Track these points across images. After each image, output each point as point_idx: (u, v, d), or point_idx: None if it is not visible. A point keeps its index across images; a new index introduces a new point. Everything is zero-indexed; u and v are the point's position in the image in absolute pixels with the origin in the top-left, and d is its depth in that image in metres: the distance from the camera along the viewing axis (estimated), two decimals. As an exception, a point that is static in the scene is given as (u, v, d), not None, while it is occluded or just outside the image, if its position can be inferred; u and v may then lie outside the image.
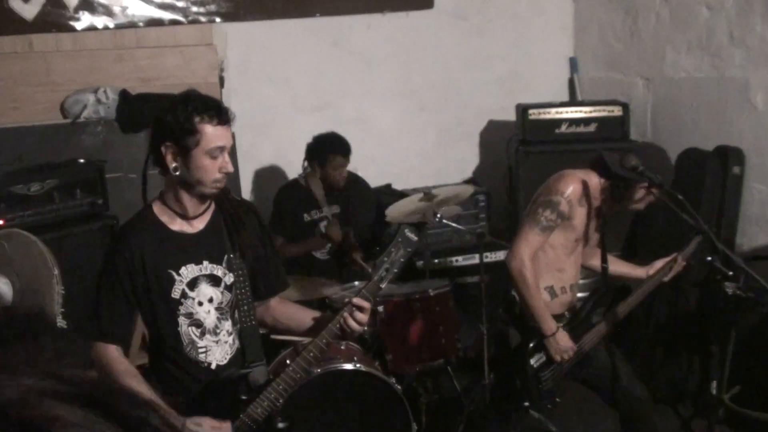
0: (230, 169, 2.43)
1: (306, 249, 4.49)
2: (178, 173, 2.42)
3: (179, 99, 2.41)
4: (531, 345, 3.17)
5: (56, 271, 3.35)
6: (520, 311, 3.23)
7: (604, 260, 3.35)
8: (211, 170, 2.40)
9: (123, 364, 2.46)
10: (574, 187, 3.11)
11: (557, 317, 3.24)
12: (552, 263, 3.22)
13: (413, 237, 2.47)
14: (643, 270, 3.43)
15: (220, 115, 2.39)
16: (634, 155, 3.01)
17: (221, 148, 2.39)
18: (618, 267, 3.51)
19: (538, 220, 3.10)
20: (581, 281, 4.07)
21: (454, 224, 4.24)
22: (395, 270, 2.46)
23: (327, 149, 4.44)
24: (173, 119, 2.36)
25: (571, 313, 3.32)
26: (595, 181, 3.17)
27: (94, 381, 0.60)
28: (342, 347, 3.27)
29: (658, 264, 3.38)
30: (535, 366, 3.18)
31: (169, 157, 2.41)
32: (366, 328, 2.57)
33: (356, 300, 2.45)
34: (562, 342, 3.14)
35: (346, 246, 4.48)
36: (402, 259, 2.46)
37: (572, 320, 3.28)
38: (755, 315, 3.66)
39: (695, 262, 3.45)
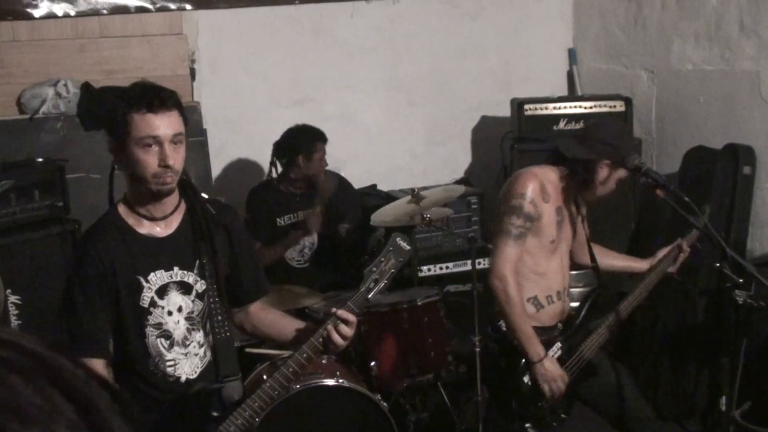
0: (170, 162, 2.38)
1: (282, 250, 4.49)
2: (120, 168, 2.48)
3: (123, 90, 2.48)
4: (523, 361, 3.16)
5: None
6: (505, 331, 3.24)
7: (592, 259, 3.38)
8: (147, 163, 2.39)
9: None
10: (533, 184, 3.13)
11: (549, 329, 3.26)
12: (532, 269, 3.22)
13: (405, 246, 2.49)
14: (645, 262, 3.46)
15: (151, 103, 2.38)
16: (637, 154, 3.04)
17: (153, 138, 2.37)
18: (615, 261, 3.53)
19: (508, 231, 3.12)
20: (578, 290, 4.08)
21: (444, 228, 4.25)
22: (384, 281, 2.47)
23: (314, 137, 4.47)
24: (108, 112, 2.45)
25: (565, 323, 3.32)
26: (552, 175, 3.21)
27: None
28: (323, 361, 3.28)
29: (661, 253, 3.42)
30: (529, 383, 3.16)
31: (112, 153, 2.48)
32: (349, 342, 2.55)
33: (341, 312, 2.44)
34: (550, 370, 3.11)
35: (335, 241, 4.51)
36: (392, 270, 2.47)
37: (566, 329, 3.29)
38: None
39: (702, 247, 3.47)
